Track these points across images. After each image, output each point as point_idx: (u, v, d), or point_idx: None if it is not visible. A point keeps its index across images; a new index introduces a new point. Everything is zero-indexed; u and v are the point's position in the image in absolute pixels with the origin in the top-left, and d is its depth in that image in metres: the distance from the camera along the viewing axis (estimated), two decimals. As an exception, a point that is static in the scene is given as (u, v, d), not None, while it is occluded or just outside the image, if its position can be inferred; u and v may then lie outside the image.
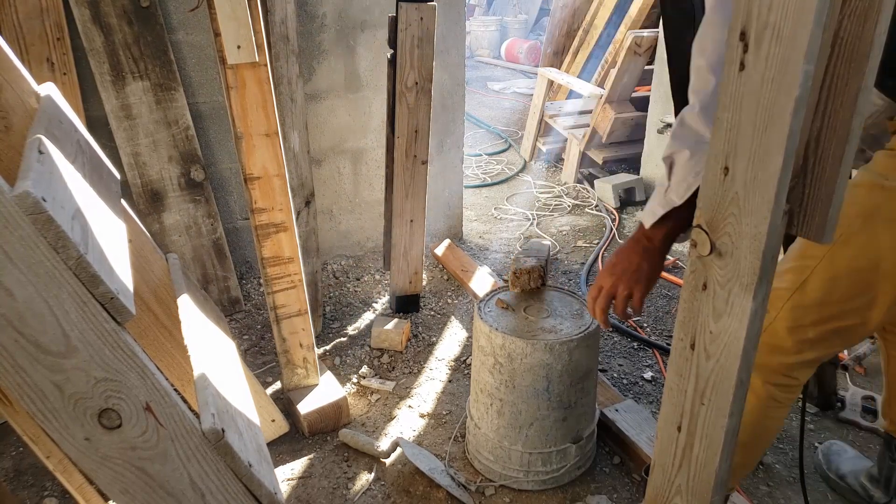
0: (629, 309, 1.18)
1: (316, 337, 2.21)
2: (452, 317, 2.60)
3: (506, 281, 2.81)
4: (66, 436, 0.72)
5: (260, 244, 1.73)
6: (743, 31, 0.71)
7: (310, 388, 2.00)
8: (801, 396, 2.05)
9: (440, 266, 2.99)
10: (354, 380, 2.20)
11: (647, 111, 3.66)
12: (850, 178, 1.23)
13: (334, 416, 1.95)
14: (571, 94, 4.55)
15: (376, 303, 2.69)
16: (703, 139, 1.01)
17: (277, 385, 2.16)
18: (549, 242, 3.17)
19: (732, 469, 1.43)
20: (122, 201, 1.13)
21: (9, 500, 1.50)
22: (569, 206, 3.74)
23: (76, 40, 2.19)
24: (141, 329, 1.25)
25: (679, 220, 1.10)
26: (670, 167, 1.08)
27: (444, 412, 2.05)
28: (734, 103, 0.74)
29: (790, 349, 1.28)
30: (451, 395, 2.13)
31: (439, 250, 3.02)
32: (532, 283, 1.66)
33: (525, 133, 4.58)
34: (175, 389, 1.18)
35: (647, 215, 1.13)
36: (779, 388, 1.33)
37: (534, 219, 3.57)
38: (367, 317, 2.59)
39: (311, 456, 1.87)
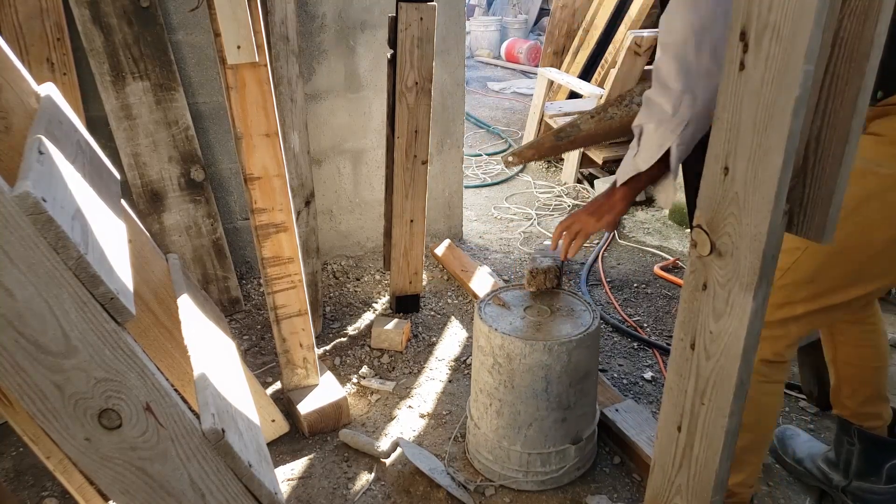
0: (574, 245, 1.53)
1: (316, 337, 2.21)
2: (452, 317, 2.60)
3: (506, 281, 2.82)
4: (67, 436, 0.72)
5: (260, 244, 1.73)
6: (743, 31, 0.71)
7: (310, 388, 2.00)
8: (803, 397, 2.07)
9: (440, 266, 2.99)
10: (354, 380, 2.20)
11: (647, 111, 3.66)
12: None
13: (334, 417, 1.95)
14: (571, 94, 4.54)
15: (376, 303, 2.69)
16: (667, 114, 1.21)
17: (277, 385, 2.16)
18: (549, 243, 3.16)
19: (741, 458, 1.44)
20: (122, 201, 1.13)
21: (9, 500, 1.50)
22: (569, 205, 3.74)
23: (76, 41, 2.19)
24: (141, 329, 1.25)
25: (647, 178, 1.36)
26: (639, 135, 1.30)
27: (444, 412, 2.05)
28: (734, 103, 0.74)
29: (776, 324, 1.35)
30: (451, 396, 2.13)
31: (439, 250, 3.02)
32: (548, 282, 1.65)
33: (525, 133, 4.57)
34: (175, 389, 1.18)
35: (621, 174, 1.39)
36: (766, 365, 1.39)
37: (534, 219, 3.57)
38: (367, 317, 2.59)
39: (311, 456, 1.87)
